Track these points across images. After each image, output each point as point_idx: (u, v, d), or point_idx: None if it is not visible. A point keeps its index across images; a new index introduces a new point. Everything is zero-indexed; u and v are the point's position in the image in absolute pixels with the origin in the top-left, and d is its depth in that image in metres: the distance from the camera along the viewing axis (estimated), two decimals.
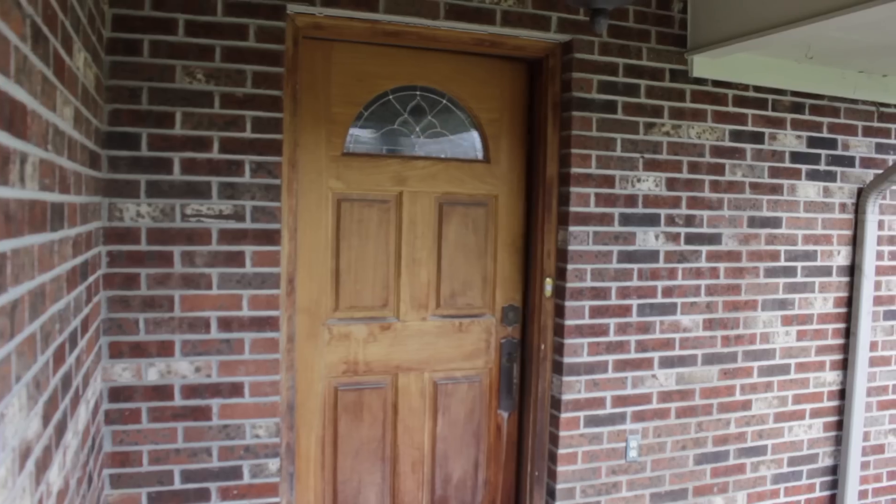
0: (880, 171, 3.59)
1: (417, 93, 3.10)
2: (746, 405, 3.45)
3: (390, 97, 3.06)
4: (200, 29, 2.53)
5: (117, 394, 2.50)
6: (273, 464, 2.68)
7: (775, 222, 3.45)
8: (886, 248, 3.73)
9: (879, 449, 3.80)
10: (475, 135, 3.20)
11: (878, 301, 3.70)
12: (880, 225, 3.68)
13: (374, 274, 3.04)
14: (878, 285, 3.69)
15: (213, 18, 2.54)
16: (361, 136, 3.03)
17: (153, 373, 2.53)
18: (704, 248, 3.30)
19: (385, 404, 3.10)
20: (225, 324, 2.59)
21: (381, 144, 3.08)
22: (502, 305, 3.27)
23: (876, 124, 3.67)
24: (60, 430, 1.56)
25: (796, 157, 3.49)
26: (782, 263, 3.48)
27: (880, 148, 3.68)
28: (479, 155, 3.22)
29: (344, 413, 3.02)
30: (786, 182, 3.47)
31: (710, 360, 3.36)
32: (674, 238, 3.24)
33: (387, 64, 3.00)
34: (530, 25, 2.96)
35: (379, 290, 3.06)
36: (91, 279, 2.15)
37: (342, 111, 2.94)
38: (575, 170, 3.05)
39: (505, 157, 3.22)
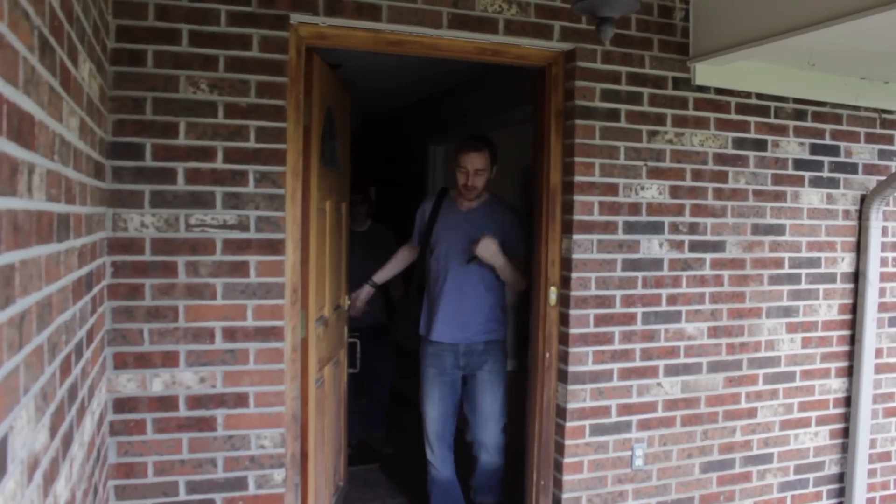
0: (883, 178, 3.59)
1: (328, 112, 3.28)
2: (752, 413, 3.44)
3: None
4: (204, 39, 2.53)
5: (122, 405, 2.49)
6: (278, 474, 2.67)
7: (779, 229, 3.45)
8: (890, 255, 3.72)
9: (886, 456, 3.78)
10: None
11: (882, 308, 3.69)
12: (884, 231, 3.67)
13: (327, 276, 3.19)
14: (882, 292, 3.68)
15: (216, 29, 2.55)
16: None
17: (158, 383, 2.52)
18: (708, 256, 3.30)
19: (325, 395, 3.22)
20: (229, 334, 2.59)
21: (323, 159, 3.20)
22: (346, 293, 3.71)
23: (878, 131, 3.67)
24: (67, 441, 1.55)
25: (799, 164, 3.49)
26: (786, 271, 3.48)
27: (883, 154, 3.68)
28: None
29: (316, 409, 3.05)
30: (789, 189, 3.46)
31: (715, 367, 3.35)
32: (678, 246, 3.23)
33: (326, 84, 3.14)
34: (533, 34, 2.96)
35: (326, 291, 3.20)
36: (96, 290, 2.15)
37: (319, 125, 3.01)
38: (578, 178, 3.05)
39: (344, 163, 3.56)
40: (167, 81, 2.50)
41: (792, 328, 3.51)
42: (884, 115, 3.67)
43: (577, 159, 3.04)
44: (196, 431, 2.57)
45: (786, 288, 3.48)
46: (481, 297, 3.47)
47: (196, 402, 2.56)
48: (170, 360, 2.53)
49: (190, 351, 2.55)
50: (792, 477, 3.57)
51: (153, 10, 2.47)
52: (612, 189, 3.10)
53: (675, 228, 3.22)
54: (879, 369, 3.70)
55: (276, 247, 2.63)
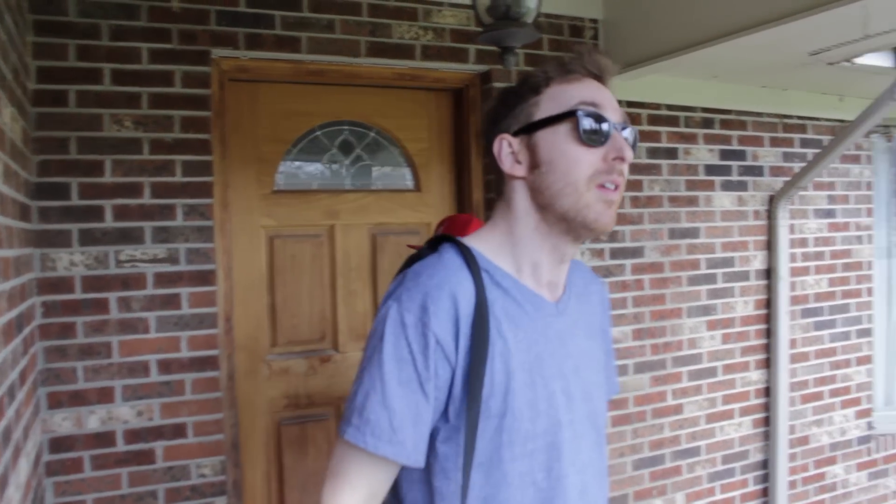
0: (788, 179, 3.81)
1: (346, 127, 3.17)
2: (678, 409, 3.61)
3: (318, 133, 3.12)
4: (126, 77, 2.57)
5: (58, 444, 2.49)
6: (220, 502, 2.70)
7: (694, 232, 3.63)
8: (799, 251, 3.96)
9: (804, 440, 4.00)
10: (404, 164, 3.29)
11: (794, 301, 3.92)
12: (791, 229, 3.90)
13: (311, 307, 3.08)
14: (793, 286, 3.91)
15: (138, 66, 2.58)
16: (291, 173, 3.09)
17: (94, 420, 2.53)
18: (629, 262, 3.45)
19: (329, 436, 3.12)
20: (165, 366, 2.62)
21: (311, 180, 3.14)
22: None
23: (781, 135, 3.90)
24: (3, 485, 1.58)
25: (710, 169, 3.68)
26: (703, 271, 3.66)
27: (787, 157, 3.92)
28: (410, 184, 3.29)
29: (288, 447, 3.05)
30: (701, 194, 3.66)
31: (641, 368, 3.50)
32: (598, 254, 3.38)
33: (313, 101, 3.07)
34: (449, 58, 3.07)
35: (316, 323, 3.10)
36: (27, 331, 2.17)
37: (271, 149, 2.99)
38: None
39: (435, 185, 3.30)
40: (91, 120, 2.52)
41: (712, 326, 3.69)
42: (784, 121, 3.90)
43: (496, 177, 3.15)
44: (135, 465, 2.58)
45: (704, 288, 3.67)
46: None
47: (134, 436, 2.58)
48: (105, 396, 2.54)
49: (126, 385, 2.57)
50: (720, 467, 3.75)
51: (74, 51, 2.50)
52: None
53: (595, 237, 3.36)
54: (794, 359, 3.92)
55: (207, 278, 2.67)
